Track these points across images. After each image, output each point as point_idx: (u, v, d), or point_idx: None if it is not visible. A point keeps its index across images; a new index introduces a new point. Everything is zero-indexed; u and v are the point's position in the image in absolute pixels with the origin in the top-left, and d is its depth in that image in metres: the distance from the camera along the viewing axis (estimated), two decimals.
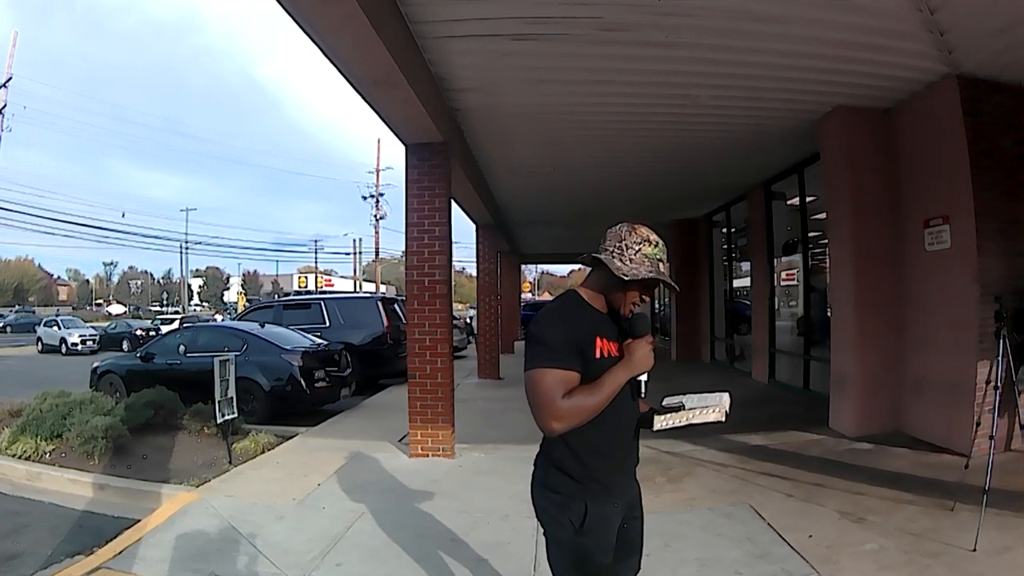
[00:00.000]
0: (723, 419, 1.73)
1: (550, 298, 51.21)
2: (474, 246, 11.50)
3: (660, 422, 1.73)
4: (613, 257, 1.62)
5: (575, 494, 1.64)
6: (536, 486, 1.74)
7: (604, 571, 1.69)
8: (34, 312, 53.27)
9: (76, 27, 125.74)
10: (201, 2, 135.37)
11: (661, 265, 1.64)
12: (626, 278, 1.59)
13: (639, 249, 1.62)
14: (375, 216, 33.73)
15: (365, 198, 34.05)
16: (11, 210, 26.24)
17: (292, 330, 9.14)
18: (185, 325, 13.22)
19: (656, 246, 1.64)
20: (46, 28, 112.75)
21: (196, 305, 63.60)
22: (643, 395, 1.69)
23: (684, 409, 1.73)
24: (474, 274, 13.52)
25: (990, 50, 4.27)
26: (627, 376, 1.61)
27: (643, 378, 1.65)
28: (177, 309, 43.08)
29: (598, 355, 1.61)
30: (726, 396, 1.76)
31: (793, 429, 5.68)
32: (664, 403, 1.78)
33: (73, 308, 57.91)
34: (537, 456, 1.77)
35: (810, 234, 7.63)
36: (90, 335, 22.53)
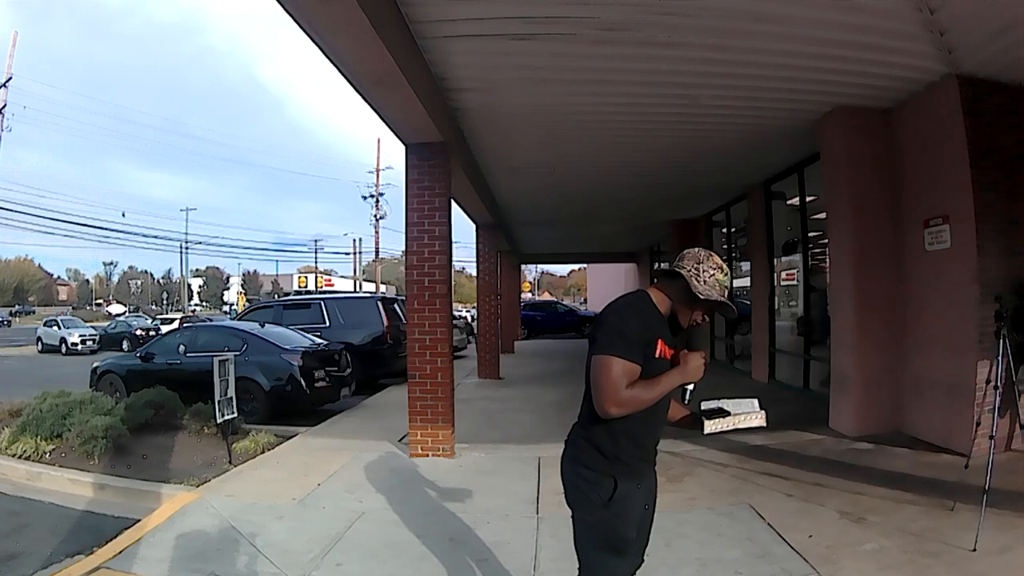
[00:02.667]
0: (765, 424, 1.89)
1: (550, 298, 51.31)
2: (474, 246, 11.50)
3: (710, 426, 1.85)
4: (692, 276, 1.80)
5: (605, 471, 1.80)
6: (568, 462, 1.89)
7: (628, 547, 1.84)
8: (34, 312, 53.30)
9: (78, 28, 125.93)
10: (203, 3, 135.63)
11: (726, 291, 1.83)
12: (701, 297, 1.78)
13: (713, 274, 1.80)
14: (375, 216, 33.75)
15: (365, 198, 34.08)
16: (11, 210, 26.15)
17: (292, 330, 9.13)
18: (185, 325, 13.23)
19: (726, 275, 1.83)
20: (48, 29, 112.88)
21: (196, 305, 63.64)
22: (687, 401, 1.88)
23: (727, 413, 1.87)
24: (474, 274, 13.51)
25: (990, 50, 4.27)
26: (680, 381, 1.78)
27: (690, 387, 1.84)
28: (183, 309, 43.03)
29: (657, 355, 1.77)
30: (756, 402, 1.92)
31: (793, 429, 5.67)
32: (703, 407, 1.91)
33: (73, 308, 57.98)
34: (570, 435, 1.92)
35: (810, 234, 7.63)
36: (90, 335, 22.53)
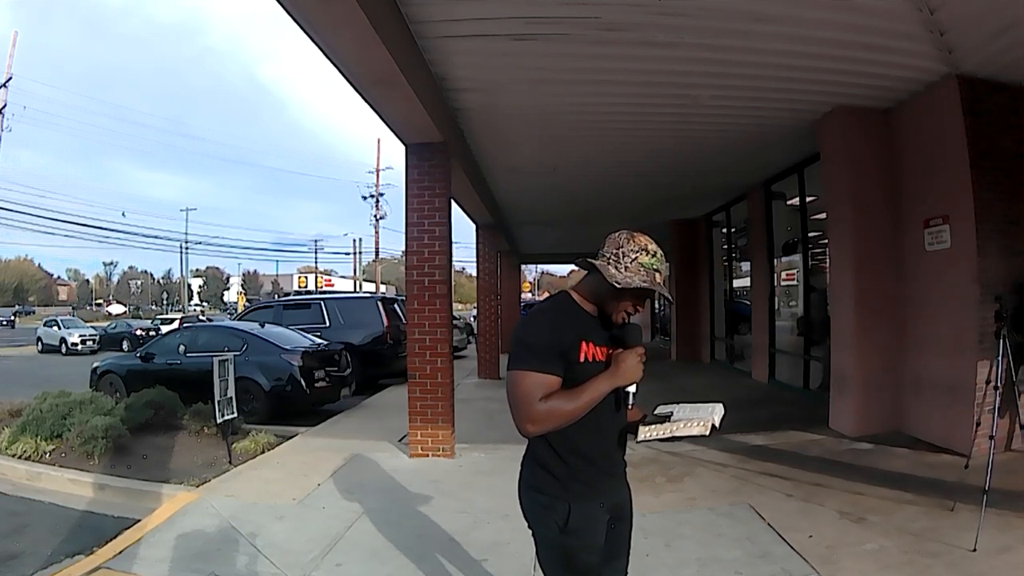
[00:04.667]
0: (707, 433, 1.70)
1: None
2: (474, 246, 11.51)
3: (644, 433, 1.69)
4: (608, 264, 1.62)
5: (559, 494, 1.65)
6: (522, 487, 1.75)
7: (592, 571, 1.68)
8: (34, 312, 53.30)
9: (79, 29, 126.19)
10: (205, 4, 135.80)
11: (657, 275, 1.62)
12: (618, 286, 1.58)
13: (635, 258, 1.61)
14: (375, 216, 33.76)
15: (365, 198, 34.09)
16: (11, 210, 26.26)
17: (292, 330, 9.14)
18: (185, 325, 13.23)
19: (653, 256, 1.62)
20: (49, 30, 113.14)
21: (196, 305, 63.66)
22: (630, 406, 1.68)
23: (670, 421, 1.69)
24: (474, 274, 13.51)
25: (990, 50, 4.27)
26: (610, 386, 1.60)
27: (631, 389, 1.64)
28: (183, 309, 42.99)
29: (582, 359, 1.61)
30: (719, 407, 1.72)
31: (793, 429, 5.68)
32: (656, 411, 1.75)
33: (73, 308, 57.99)
34: (524, 457, 1.77)
35: (810, 234, 7.62)
36: (90, 335, 22.54)
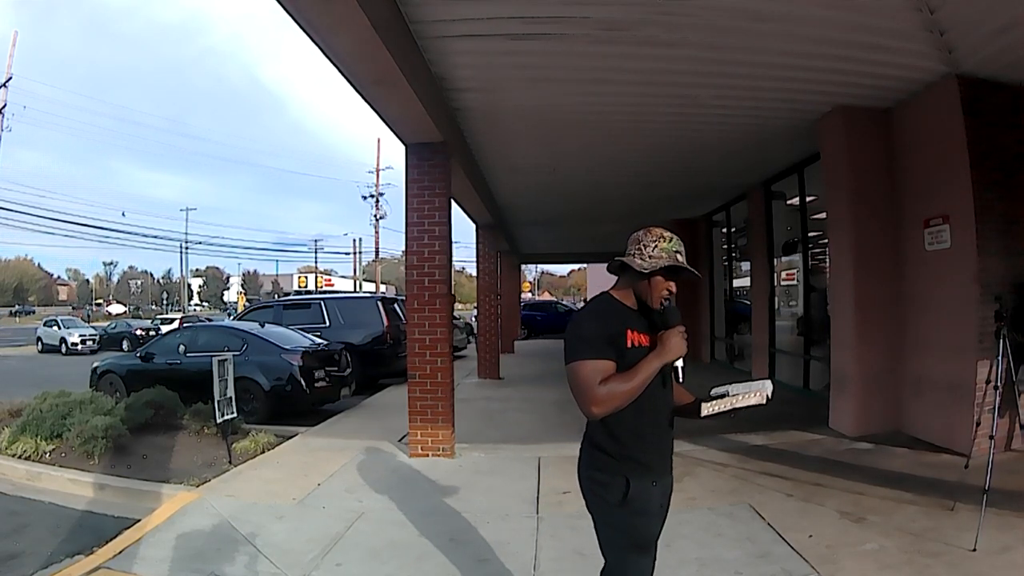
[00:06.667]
0: (764, 402, 1.86)
1: (550, 298, 51.44)
2: (474, 246, 11.51)
3: (706, 408, 1.85)
4: (634, 257, 1.81)
5: (616, 471, 1.80)
6: (582, 470, 1.90)
7: (652, 543, 1.85)
8: (34, 312, 53.32)
9: (81, 29, 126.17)
10: (206, 4, 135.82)
11: (679, 256, 1.82)
12: (645, 271, 1.78)
13: (656, 245, 1.81)
14: (375, 216, 33.77)
15: (365, 198, 34.13)
16: (11, 210, 26.25)
17: (292, 330, 9.14)
18: (185, 325, 13.23)
19: (671, 240, 1.82)
20: (51, 30, 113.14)
21: (196, 305, 63.68)
22: (681, 380, 1.84)
23: (729, 396, 1.84)
24: (474, 274, 13.52)
25: (990, 50, 4.27)
26: (660, 363, 1.76)
27: (679, 364, 1.81)
28: (183, 309, 42.93)
29: (629, 345, 1.77)
30: (768, 383, 1.87)
31: (793, 429, 5.67)
32: (712, 391, 1.88)
33: (73, 308, 57.97)
34: (582, 443, 1.93)
35: (810, 234, 7.62)
36: (90, 335, 22.55)
